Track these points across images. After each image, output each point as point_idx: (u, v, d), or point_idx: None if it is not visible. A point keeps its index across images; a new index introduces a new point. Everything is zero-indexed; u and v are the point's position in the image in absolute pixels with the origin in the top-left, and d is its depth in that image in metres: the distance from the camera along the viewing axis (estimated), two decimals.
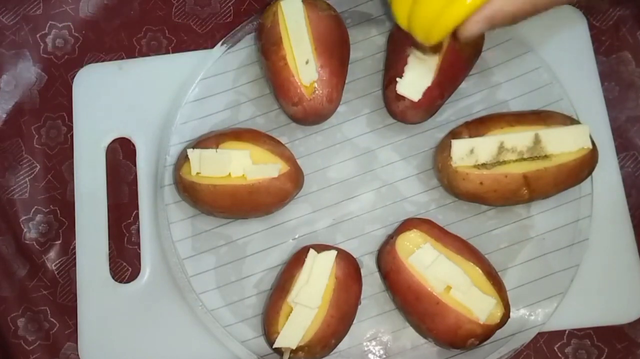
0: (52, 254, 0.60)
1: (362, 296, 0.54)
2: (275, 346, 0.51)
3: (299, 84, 0.55)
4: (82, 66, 0.63)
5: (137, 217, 0.60)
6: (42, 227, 0.61)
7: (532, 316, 0.55)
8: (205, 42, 0.64)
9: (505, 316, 0.51)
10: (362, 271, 0.55)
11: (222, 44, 0.61)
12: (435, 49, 0.53)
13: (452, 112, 0.59)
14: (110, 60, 0.64)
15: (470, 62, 0.57)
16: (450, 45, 0.55)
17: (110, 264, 0.59)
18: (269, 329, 0.52)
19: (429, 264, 0.51)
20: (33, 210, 0.61)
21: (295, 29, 0.56)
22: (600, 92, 0.60)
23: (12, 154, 0.62)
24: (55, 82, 0.64)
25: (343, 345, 0.54)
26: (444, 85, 0.56)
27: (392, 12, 0.45)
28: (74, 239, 0.59)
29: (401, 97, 0.55)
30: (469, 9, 0.41)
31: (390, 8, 0.45)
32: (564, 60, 0.60)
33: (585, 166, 0.53)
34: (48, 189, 0.62)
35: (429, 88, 0.55)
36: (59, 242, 0.61)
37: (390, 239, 0.54)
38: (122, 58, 0.64)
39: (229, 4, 0.65)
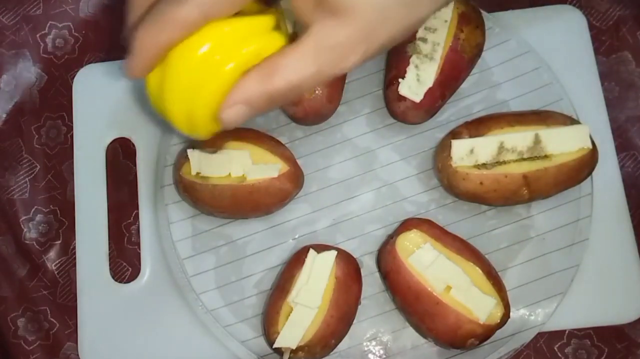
0: (52, 254, 0.60)
1: (362, 296, 0.54)
2: (275, 346, 0.51)
3: None
4: (82, 66, 0.63)
5: (137, 217, 0.60)
6: (42, 227, 0.61)
7: (532, 316, 0.55)
8: None
9: (505, 316, 0.51)
10: (362, 271, 0.55)
11: None
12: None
13: (452, 112, 0.59)
14: (110, 60, 0.64)
15: (472, 63, 0.57)
16: (452, 46, 0.55)
17: (110, 264, 0.59)
18: (269, 329, 0.52)
19: (429, 264, 0.51)
20: (33, 210, 0.61)
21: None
22: (600, 92, 0.60)
23: (12, 154, 0.63)
24: (55, 82, 0.64)
25: (343, 345, 0.54)
26: (446, 85, 0.56)
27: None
28: (74, 239, 0.59)
29: (402, 98, 0.55)
30: (225, 81, 0.38)
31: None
32: (564, 60, 0.60)
33: (585, 166, 0.53)
34: (48, 189, 0.62)
35: (430, 89, 0.55)
36: (59, 242, 0.61)
37: (390, 239, 0.54)
38: (122, 58, 0.64)
39: None
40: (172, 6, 0.36)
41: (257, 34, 0.38)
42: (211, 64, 0.38)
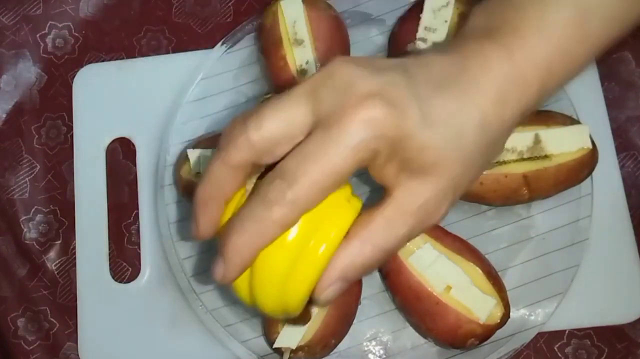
0: (52, 254, 0.60)
1: (362, 296, 0.54)
2: (275, 346, 0.51)
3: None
4: (82, 66, 0.63)
5: (137, 217, 0.60)
6: (42, 227, 0.61)
7: (532, 316, 0.55)
8: (205, 42, 0.64)
9: (505, 316, 0.51)
10: None
11: (222, 44, 0.61)
12: (304, 317, 0.43)
13: None
14: (110, 60, 0.64)
15: None
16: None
17: (110, 264, 0.59)
18: (269, 329, 0.52)
19: (429, 264, 0.51)
20: (33, 210, 0.61)
21: (295, 29, 0.56)
22: (600, 92, 0.60)
23: (12, 154, 0.62)
24: (55, 82, 0.64)
25: (343, 345, 0.54)
26: None
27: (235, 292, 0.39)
28: (74, 239, 0.59)
29: None
30: (320, 266, 0.36)
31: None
32: None
33: (585, 166, 0.53)
34: (48, 189, 0.62)
35: None
36: (59, 242, 0.61)
37: None
38: (122, 58, 0.64)
39: (229, 4, 0.65)
40: (266, 210, 0.34)
41: (336, 207, 0.37)
42: (303, 249, 0.36)
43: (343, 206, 0.38)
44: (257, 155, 0.35)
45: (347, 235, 0.37)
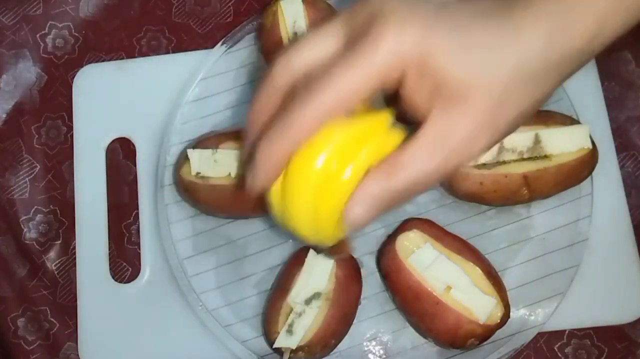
0: (52, 254, 0.60)
1: (362, 296, 0.54)
2: (275, 346, 0.51)
3: None
4: (82, 66, 0.63)
5: (137, 217, 0.60)
6: (42, 227, 0.61)
7: (532, 316, 0.55)
8: (205, 42, 0.64)
9: (505, 316, 0.51)
10: (362, 271, 0.55)
11: (222, 44, 0.61)
12: (339, 249, 0.44)
13: None
14: (110, 60, 0.64)
15: None
16: None
17: (110, 264, 0.59)
18: (269, 329, 0.52)
19: (429, 264, 0.51)
20: (33, 210, 0.61)
21: (295, 29, 0.56)
22: (600, 92, 0.60)
23: (12, 154, 0.62)
24: (55, 82, 0.64)
25: (343, 345, 0.54)
26: None
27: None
28: (74, 239, 0.59)
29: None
30: (346, 186, 0.37)
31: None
32: None
33: (585, 166, 0.53)
34: (48, 189, 0.62)
35: None
36: (59, 242, 0.61)
37: (390, 239, 0.54)
38: (122, 58, 0.64)
39: (229, 4, 0.65)
40: (291, 120, 0.36)
41: (375, 133, 0.38)
42: (330, 176, 0.37)
43: (380, 133, 0.38)
44: (297, 77, 0.37)
45: (380, 163, 0.37)
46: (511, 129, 0.37)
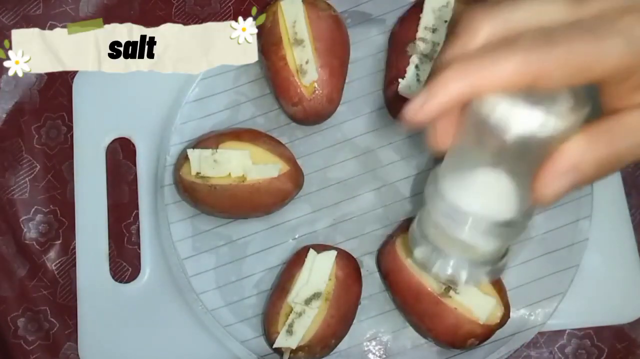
0: (52, 254, 0.60)
1: (362, 296, 0.54)
2: (275, 346, 0.51)
3: (299, 84, 0.55)
4: None
5: (137, 217, 0.60)
6: (42, 227, 0.61)
7: (532, 316, 0.55)
8: None
9: (505, 316, 0.51)
10: (362, 271, 0.55)
11: None
12: None
13: None
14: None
15: None
16: None
17: (110, 264, 0.59)
18: (269, 329, 0.52)
19: None
20: (33, 210, 0.61)
21: (295, 29, 0.56)
22: None
23: (12, 154, 0.62)
24: (55, 82, 0.64)
25: (343, 345, 0.54)
26: None
27: None
28: (74, 239, 0.59)
29: (402, 98, 0.55)
30: None
31: None
32: None
33: None
34: (48, 189, 0.62)
35: None
36: (59, 242, 0.61)
37: (390, 239, 0.54)
38: None
39: (229, 4, 0.65)
40: (492, 60, 0.32)
41: None
42: None
43: None
44: (505, 33, 0.33)
45: (585, 129, 0.33)
46: None
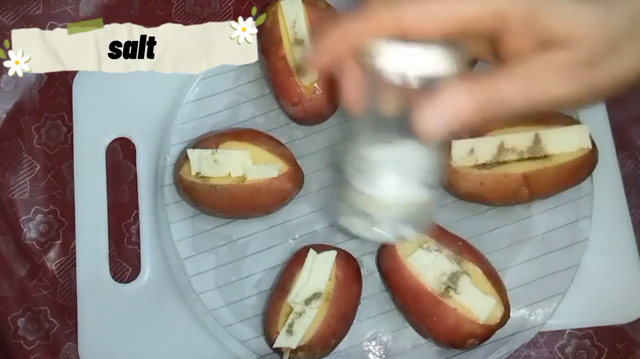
0: (52, 254, 0.60)
1: (362, 296, 0.54)
2: (275, 346, 0.51)
3: (299, 84, 0.55)
4: None
5: (137, 217, 0.60)
6: (42, 227, 0.61)
7: (532, 316, 0.55)
8: None
9: (505, 316, 0.51)
10: (362, 271, 0.55)
11: None
12: None
13: None
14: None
15: (471, 64, 0.57)
16: None
17: (110, 264, 0.59)
18: (269, 329, 0.52)
19: (429, 264, 0.51)
20: (33, 210, 0.61)
21: (295, 29, 0.56)
22: None
23: (12, 154, 0.62)
24: (55, 82, 0.64)
25: (343, 345, 0.54)
26: None
27: None
28: (74, 239, 0.59)
29: None
30: None
31: None
32: None
33: (585, 166, 0.53)
34: (48, 189, 0.62)
35: None
36: (59, 242, 0.61)
37: None
38: None
39: (229, 4, 0.65)
40: (364, 18, 0.35)
41: None
42: None
43: None
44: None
45: (466, 78, 0.35)
46: (617, 85, 0.35)
